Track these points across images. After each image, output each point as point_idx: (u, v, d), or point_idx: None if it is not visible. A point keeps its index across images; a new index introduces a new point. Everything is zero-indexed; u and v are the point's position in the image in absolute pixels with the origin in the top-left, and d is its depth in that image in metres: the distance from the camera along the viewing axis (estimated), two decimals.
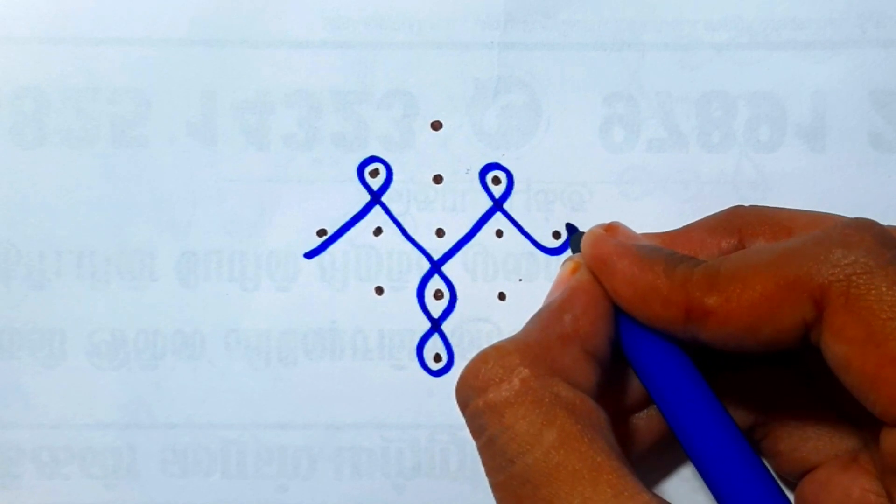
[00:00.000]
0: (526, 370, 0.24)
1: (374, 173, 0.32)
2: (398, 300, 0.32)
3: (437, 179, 0.32)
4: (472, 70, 0.32)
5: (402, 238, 0.32)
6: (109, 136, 0.32)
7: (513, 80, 0.32)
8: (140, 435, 0.32)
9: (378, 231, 0.32)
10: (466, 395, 0.25)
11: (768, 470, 0.24)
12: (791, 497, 0.25)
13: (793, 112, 0.32)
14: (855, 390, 0.22)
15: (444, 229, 0.32)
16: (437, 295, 0.32)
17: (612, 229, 0.27)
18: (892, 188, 0.32)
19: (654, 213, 0.32)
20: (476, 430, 0.24)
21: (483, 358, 0.24)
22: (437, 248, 0.32)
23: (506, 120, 0.32)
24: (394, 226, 0.32)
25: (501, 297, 0.32)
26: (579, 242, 0.27)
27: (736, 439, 0.24)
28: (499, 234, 0.32)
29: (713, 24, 0.32)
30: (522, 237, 0.32)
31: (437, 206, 0.32)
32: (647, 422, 0.28)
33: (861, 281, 0.21)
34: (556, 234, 0.32)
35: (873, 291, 0.21)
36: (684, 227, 0.28)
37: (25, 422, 0.32)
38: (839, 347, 0.22)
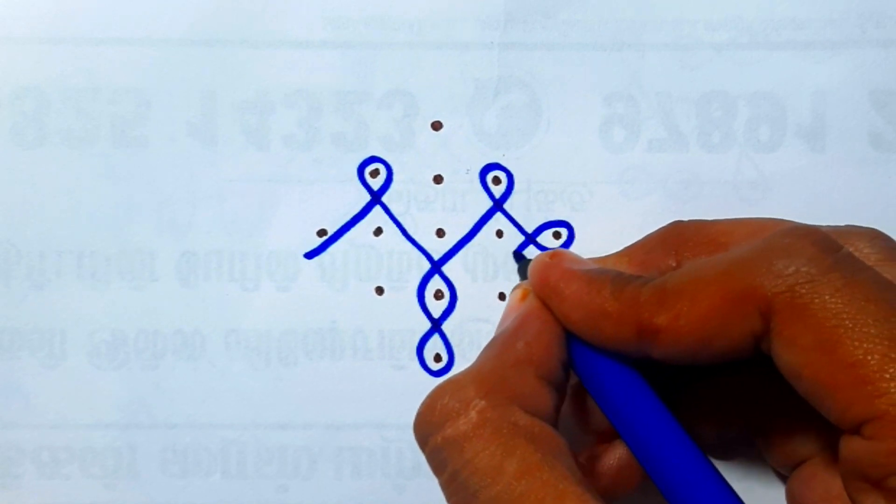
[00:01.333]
0: (482, 401, 0.24)
1: (375, 173, 0.32)
2: (398, 300, 0.32)
3: (438, 179, 0.32)
4: (473, 70, 0.32)
5: (403, 238, 0.32)
6: (109, 136, 0.32)
7: (513, 80, 0.32)
8: (140, 435, 0.32)
9: (378, 231, 0.32)
10: (425, 432, 0.24)
11: (726, 484, 0.24)
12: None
13: (793, 112, 0.32)
14: (809, 398, 0.22)
15: (445, 229, 0.32)
16: (438, 295, 0.32)
17: (557, 255, 0.27)
18: (892, 188, 0.32)
19: (654, 213, 0.32)
20: (437, 466, 0.24)
21: (438, 393, 0.24)
22: (438, 249, 0.32)
23: (506, 120, 0.32)
24: (394, 226, 0.32)
25: (502, 297, 0.32)
26: (527, 269, 0.27)
27: (692, 454, 0.24)
28: (499, 234, 0.32)
29: (713, 24, 0.32)
30: (523, 237, 0.32)
31: (437, 206, 0.32)
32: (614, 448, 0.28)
33: (804, 290, 0.21)
34: (557, 235, 0.32)
35: (817, 300, 0.21)
36: (625, 248, 0.28)
37: (25, 422, 0.32)
38: (790, 357, 0.22)
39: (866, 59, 0.32)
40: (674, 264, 0.27)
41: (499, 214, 0.32)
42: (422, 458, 0.31)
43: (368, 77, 0.32)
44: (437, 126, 0.32)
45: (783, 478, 0.29)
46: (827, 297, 0.21)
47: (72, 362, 0.32)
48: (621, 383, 0.25)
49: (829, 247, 0.22)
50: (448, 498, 0.24)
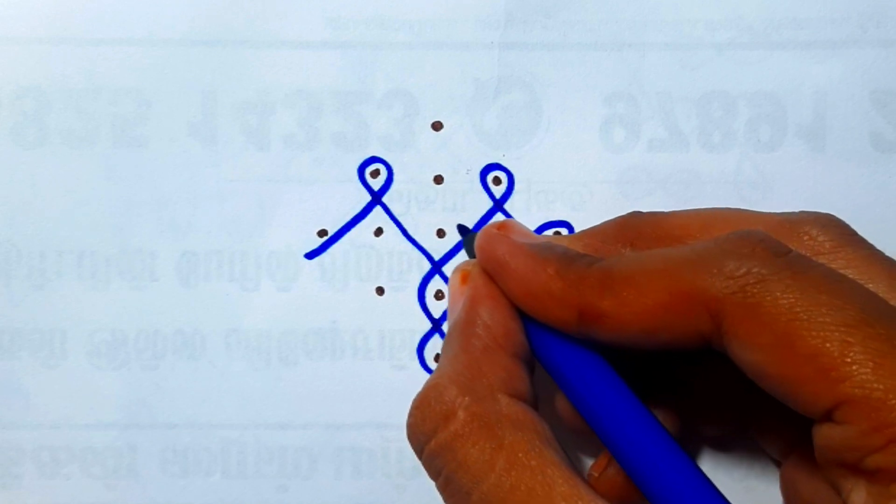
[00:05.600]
0: (466, 398, 0.24)
1: (375, 173, 0.32)
2: (399, 300, 0.32)
3: (438, 180, 0.32)
4: (473, 70, 0.32)
5: (403, 238, 0.32)
6: (110, 136, 0.32)
7: (513, 80, 0.32)
8: (140, 435, 0.32)
9: (379, 231, 0.32)
10: (419, 442, 0.25)
11: (688, 459, 0.24)
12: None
13: (793, 112, 0.32)
14: (776, 394, 0.22)
15: (445, 229, 0.32)
16: (438, 295, 0.32)
17: (505, 227, 0.27)
18: (892, 188, 0.32)
19: None
20: (433, 472, 0.24)
21: (424, 401, 0.25)
22: (438, 249, 0.32)
23: (506, 120, 0.32)
24: (394, 226, 0.32)
25: None
26: (473, 244, 0.27)
27: (650, 429, 0.24)
28: None
29: (714, 23, 0.32)
30: None
31: (437, 206, 0.32)
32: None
33: (756, 290, 0.22)
34: (557, 235, 0.32)
35: (769, 298, 0.21)
36: (581, 232, 0.28)
37: (26, 422, 0.32)
38: (749, 357, 0.22)
39: (867, 58, 0.32)
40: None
41: (499, 214, 0.32)
42: None
43: (368, 77, 0.32)
44: (437, 126, 0.32)
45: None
46: (779, 293, 0.21)
47: (72, 362, 0.32)
48: (575, 364, 0.25)
49: (778, 249, 0.22)
50: (444, 498, 0.24)
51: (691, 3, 0.32)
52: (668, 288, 0.23)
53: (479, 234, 0.27)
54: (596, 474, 0.27)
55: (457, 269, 0.27)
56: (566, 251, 0.25)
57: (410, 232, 0.32)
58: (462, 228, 0.32)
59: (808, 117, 0.32)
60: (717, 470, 0.31)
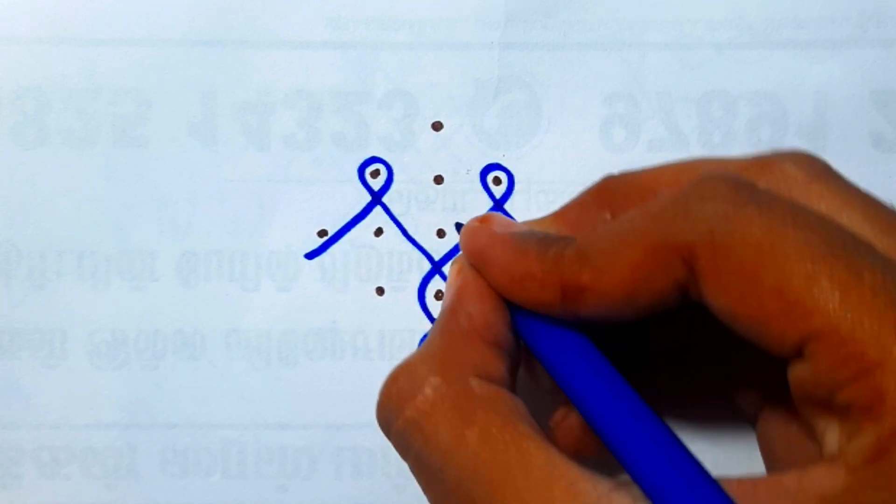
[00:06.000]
0: (436, 378, 0.24)
1: (375, 174, 0.32)
2: (399, 301, 0.32)
3: (438, 180, 0.32)
4: (473, 70, 0.32)
5: (403, 238, 0.32)
6: (110, 136, 0.32)
7: (513, 80, 0.32)
8: (140, 435, 0.32)
9: (379, 231, 0.32)
10: (387, 420, 0.24)
11: (676, 438, 0.23)
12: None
13: (794, 112, 0.32)
14: (748, 336, 0.22)
15: (445, 230, 0.32)
16: (438, 295, 0.32)
17: (487, 220, 0.27)
18: (893, 188, 0.31)
19: None
20: (403, 450, 0.24)
21: (393, 379, 0.24)
22: (438, 249, 0.32)
23: (506, 120, 0.32)
24: (394, 226, 0.32)
25: None
26: None
27: (644, 420, 0.23)
28: None
29: (714, 23, 0.32)
30: None
31: (437, 206, 0.32)
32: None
33: (722, 229, 0.21)
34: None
35: (736, 235, 0.21)
36: (559, 208, 0.28)
37: (25, 422, 0.32)
38: (720, 299, 0.22)
39: (867, 58, 0.32)
40: (609, 218, 0.26)
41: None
42: None
43: (368, 77, 0.32)
44: (437, 126, 0.32)
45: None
46: (745, 229, 0.21)
47: (72, 362, 0.32)
48: (562, 347, 0.25)
49: (743, 185, 0.22)
50: (418, 480, 0.24)
51: (691, 3, 0.32)
52: (640, 245, 0.23)
53: (463, 229, 0.27)
54: (553, 426, 0.27)
55: (453, 262, 0.27)
56: (545, 236, 0.25)
57: (410, 232, 0.32)
58: (459, 227, 0.32)
59: (808, 117, 0.32)
60: (694, 436, 0.31)
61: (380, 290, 0.32)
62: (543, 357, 0.25)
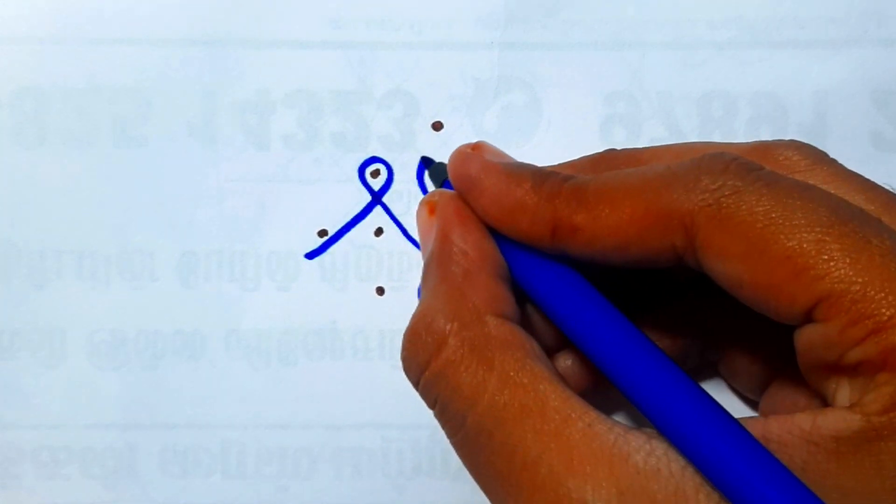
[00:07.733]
0: (454, 324, 0.24)
1: (375, 173, 0.32)
2: (399, 300, 0.32)
3: None
4: (473, 70, 0.32)
5: (403, 238, 0.32)
6: (110, 136, 0.32)
7: (513, 80, 0.32)
8: (140, 435, 0.32)
9: (379, 231, 0.32)
10: (415, 374, 0.25)
11: (678, 368, 0.23)
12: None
13: (794, 111, 0.32)
14: (754, 304, 0.22)
15: None
16: None
17: (478, 147, 0.27)
18: (892, 188, 0.31)
19: None
20: (430, 401, 0.25)
21: (415, 334, 0.25)
22: None
23: (506, 120, 0.32)
24: (395, 226, 0.32)
25: None
26: (439, 174, 0.27)
27: (640, 347, 0.23)
28: None
29: (714, 23, 0.32)
30: None
31: None
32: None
33: (730, 201, 0.22)
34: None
35: (744, 207, 0.22)
36: (556, 165, 0.28)
37: (25, 422, 0.32)
38: (725, 267, 0.22)
39: (867, 58, 0.32)
40: None
41: None
42: (422, 458, 0.31)
43: (368, 77, 0.32)
44: (437, 126, 0.32)
45: (755, 406, 0.29)
46: (753, 201, 0.21)
47: (72, 362, 0.32)
48: (550, 277, 0.25)
49: (752, 166, 0.23)
50: (444, 429, 0.24)
51: (692, 3, 0.32)
52: (642, 202, 0.23)
53: (453, 154, 0.26)
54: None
55: (422, 203, 0.27)
56: (540, 168, 0.25)
57: (411, 232, 0.32)
58: (426, 160, 0.32)
59: (808, 117, 0.32)
60: None
61: (380, 290, 0.32)
62: (531, 288, 0.25)
